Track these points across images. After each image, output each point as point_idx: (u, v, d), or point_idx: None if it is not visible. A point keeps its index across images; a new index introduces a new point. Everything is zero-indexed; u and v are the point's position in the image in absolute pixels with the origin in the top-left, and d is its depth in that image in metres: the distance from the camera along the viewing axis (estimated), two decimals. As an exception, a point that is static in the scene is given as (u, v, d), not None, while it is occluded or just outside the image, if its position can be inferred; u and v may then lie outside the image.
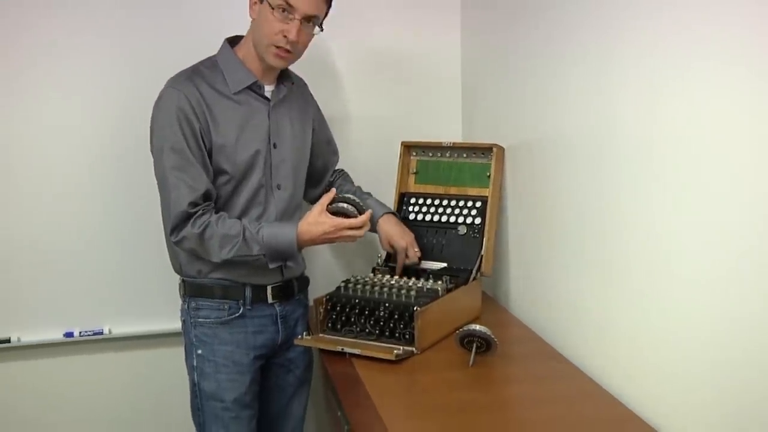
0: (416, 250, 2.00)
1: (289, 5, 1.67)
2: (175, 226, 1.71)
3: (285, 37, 1.69)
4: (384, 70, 2.31)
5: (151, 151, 1.76)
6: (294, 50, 1.73)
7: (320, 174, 2.04)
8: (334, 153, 2.09)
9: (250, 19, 1.76)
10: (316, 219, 1.73)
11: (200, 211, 1.71)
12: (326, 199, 1.75)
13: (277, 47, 1.71)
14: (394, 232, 1.97)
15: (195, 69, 1.78)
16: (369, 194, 2.06)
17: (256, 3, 1.73)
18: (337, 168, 2.11)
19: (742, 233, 1.16)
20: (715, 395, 1.25)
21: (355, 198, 1.78)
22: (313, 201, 1.90)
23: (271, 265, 1.75)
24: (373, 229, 1.95)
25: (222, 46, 1.82)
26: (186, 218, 1.70)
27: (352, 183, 2.10)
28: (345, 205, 1.75)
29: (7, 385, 2.17)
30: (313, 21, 1.72)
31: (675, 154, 1.32)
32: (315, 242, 1.77)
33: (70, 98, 2.07)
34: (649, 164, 1.40)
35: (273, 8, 1.68)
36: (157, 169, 1.75)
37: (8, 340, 2.12)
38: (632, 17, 1.43)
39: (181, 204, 1.69)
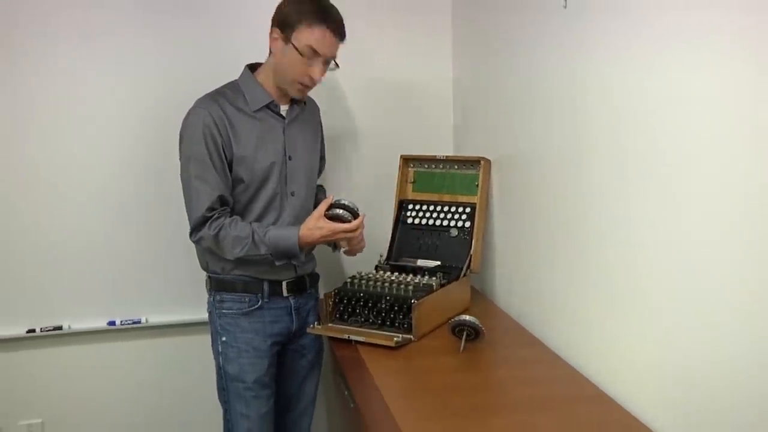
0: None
1: (315, 52, 1.69)
2: (194, 228, 1.74)
3: (310, 77, 1.72)
4: (386, 94, 2.32)
5: (179, 160, 1.78)
6: (314, 85, 1.76)
7: None
8: (322, 168, 2.09)
9: (269, 50, 1.76)
10: (315, 224, 1.74)
11: (216, 215, 1.72)
12: (324, 205, 1.76)
13: (302, 84, 1.74)
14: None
15: (219, 91, 1.80)
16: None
17: (277, 40, 1.72)
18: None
19: (716, 231, 1.12)
20: (677, 377, 1.25)
21: (349, 204, 1.77)
22: None
23: (278, 263, 1.76)
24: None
25: (243, 71, 1.83)
26: (204, 221, 1.72)
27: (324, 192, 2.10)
28: (340, 211, 1.75)
29: (59, 365, 2.19)
30: (331, 60, 1.75)
31: (633, 156, 1.32)
32: (315, 243, 1.79)
33: (117, 115, 2.11)
34: (616, 170, 1.40)
35: (301, 53, 1.69)
36: (183, 176, 1.76)
37: (60, 327, 2.15)
38: (602, 44, 1.43)
39: (200, 208, 1.71)
